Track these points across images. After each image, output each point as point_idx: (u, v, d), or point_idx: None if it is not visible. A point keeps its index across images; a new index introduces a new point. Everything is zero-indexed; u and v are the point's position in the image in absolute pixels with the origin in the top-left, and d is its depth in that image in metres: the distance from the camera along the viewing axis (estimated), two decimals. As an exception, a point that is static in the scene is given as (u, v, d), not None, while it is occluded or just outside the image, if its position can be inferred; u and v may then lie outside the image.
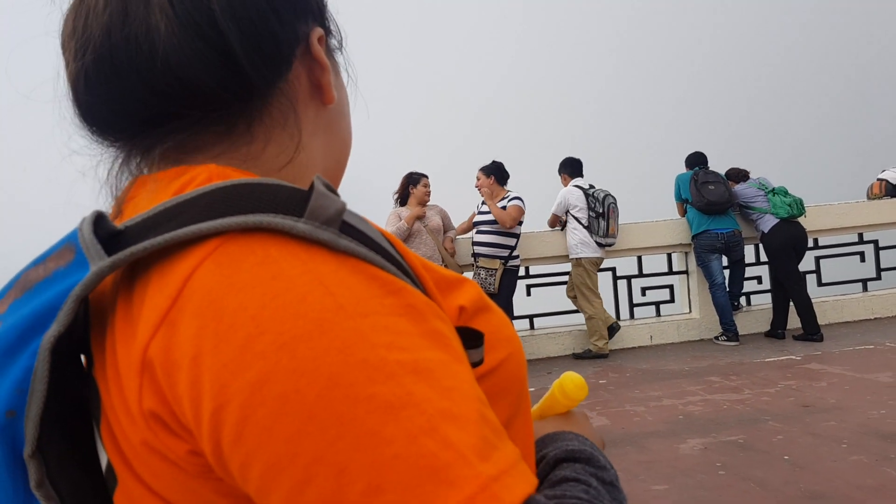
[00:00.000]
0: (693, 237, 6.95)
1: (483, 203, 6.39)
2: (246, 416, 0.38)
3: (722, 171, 7.07)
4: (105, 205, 0.56)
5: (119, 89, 0.51)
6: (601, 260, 6.70)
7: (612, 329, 6.72)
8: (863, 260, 7.94)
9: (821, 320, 6.80)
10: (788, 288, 6.71)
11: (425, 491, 0.37)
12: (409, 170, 6.23)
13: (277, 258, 0.41)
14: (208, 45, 0.50)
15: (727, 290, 6.89)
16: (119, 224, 0.47)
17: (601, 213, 6.55)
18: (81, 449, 0.46)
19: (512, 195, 6.25)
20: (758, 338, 6.98)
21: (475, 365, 0.50)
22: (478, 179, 6.41)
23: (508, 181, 6.46)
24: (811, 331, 6.55)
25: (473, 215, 6.58)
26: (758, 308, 7.45)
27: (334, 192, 0.46)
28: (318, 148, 0.61)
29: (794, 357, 5.97)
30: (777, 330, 6.88)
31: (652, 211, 7.72)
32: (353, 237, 0.44)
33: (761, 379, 5.27)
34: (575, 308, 7.12)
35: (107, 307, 0.46)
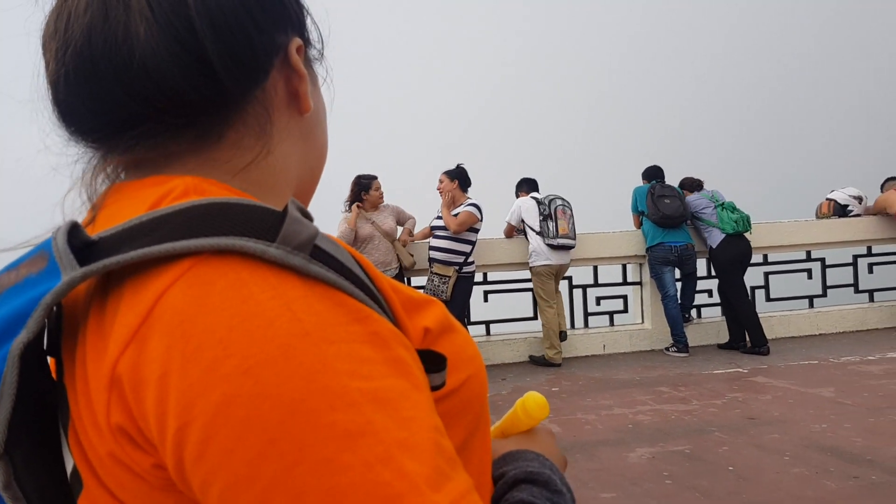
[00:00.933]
0: (647, 249, 7.08)
1: (436, 217, 6.40)
2: (208, 437, 0.39)
3: (675, 183, 7.24)
4: (79, 209, 0.56)
5: (97, 90, 0.51)
6: (557, 268, 6.71)
7: (560, 336, 6.79)
8: (810, 277, 8.18)
9: (768, 335, 6.97)
10: (735, 301, 6.89)
11: None
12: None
13: (248, 282, 0.42)
14: (185, 50, 0.51)
15: (679, 302, 7.03)
16: (93, 233, 0.47)
17: (548, 214, 6.62)
18: (48, 453, 0.46)
19: (469, 202, 6.26)
20: (707, 350, 7.13)
21: (437, 388, 0.51)
22: (440, 182, 6.40)
23: (469, 188, 6.46)
24: (758, 343, 6.73)
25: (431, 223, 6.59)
26: (708, 321, 7.60)
27: (308, 216, 0.48)
28: (293, 156, 0.61)
29: (741, 370, 6.10)
30: (739, 343, 7.02)
31: (609, 221, 7.84)
32: (324, 262, 0.45)
33: (709, 390, 5.38)
34: (531, 315, 7.20)
35: (79, 316, 0.47)
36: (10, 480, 0.43)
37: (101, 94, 0.51)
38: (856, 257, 8.32)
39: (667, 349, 7.08)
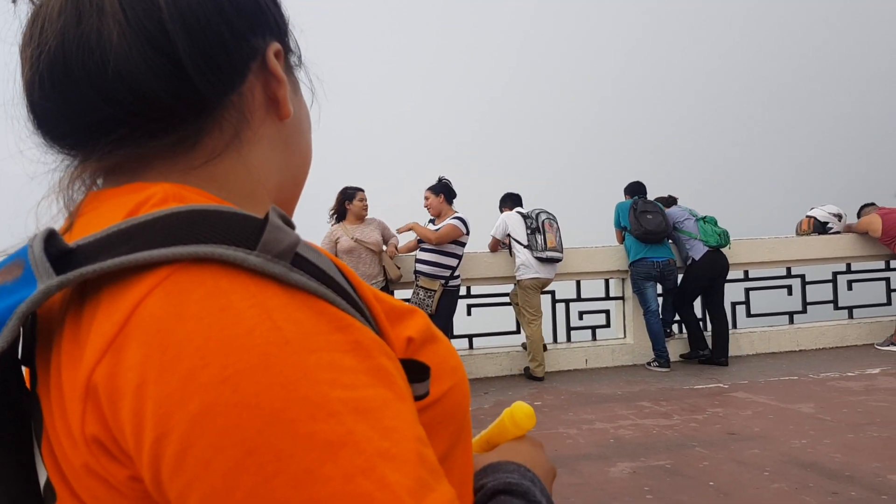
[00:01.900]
0: (630, 264, 7.12)
1: (429, 221, 6.40)
2: (186, 448, 0.38)
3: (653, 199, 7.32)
4: (54, 217, 0.55)
5: (72, 95, 0.51)
6: (545, 282, 6.73)
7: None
8: (790, 293, 8.26)
9: (748, 350, 7.05)
10: (712, 312, 7.15)
11: None
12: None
13: (227, 290, 0.42)
14: (158, 54, 0.50)
15: (661, 317, 7.07)
16: (70, 241, 0.46)
17: (536, 227, 6.64)
18: (21, 464, 0.46)
19: (454, 215, 6.26)
20: (688, 365, 7.16)
21: (421, 398, 0.51)
22: (426, 199, 6.40)
23: (454, 201, 6.47)
24: (719, 355, 6.97)
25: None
26: (690, 336, 7.64)
27: (290, 223, 0.47)
28: (273, 163, 0.60)
29: (722, 385, 6.13)
30: (701, 351, 7.15)
31: (592, 237, 7.88)
32: (305, 270, 0.45)
33: (690, 405, 5.40)
34: (513, 329, 7.19)
35: (54, 325, 0.46)
36: None
37: (74, 98, 0.51)
38: (835, 274, 8.41)
39: (648, 364, 7.10)
